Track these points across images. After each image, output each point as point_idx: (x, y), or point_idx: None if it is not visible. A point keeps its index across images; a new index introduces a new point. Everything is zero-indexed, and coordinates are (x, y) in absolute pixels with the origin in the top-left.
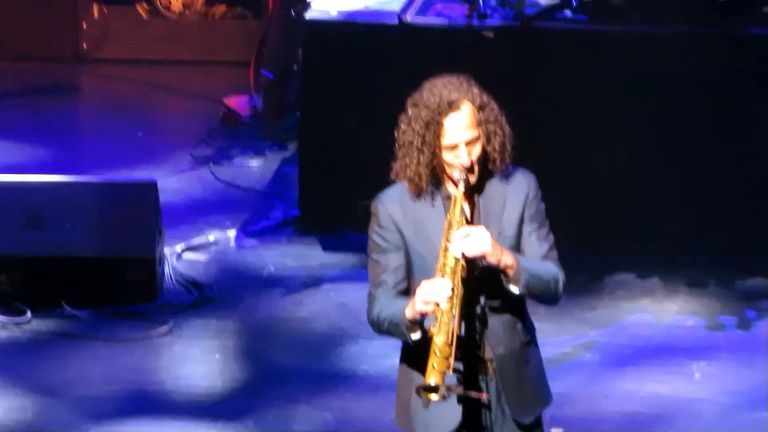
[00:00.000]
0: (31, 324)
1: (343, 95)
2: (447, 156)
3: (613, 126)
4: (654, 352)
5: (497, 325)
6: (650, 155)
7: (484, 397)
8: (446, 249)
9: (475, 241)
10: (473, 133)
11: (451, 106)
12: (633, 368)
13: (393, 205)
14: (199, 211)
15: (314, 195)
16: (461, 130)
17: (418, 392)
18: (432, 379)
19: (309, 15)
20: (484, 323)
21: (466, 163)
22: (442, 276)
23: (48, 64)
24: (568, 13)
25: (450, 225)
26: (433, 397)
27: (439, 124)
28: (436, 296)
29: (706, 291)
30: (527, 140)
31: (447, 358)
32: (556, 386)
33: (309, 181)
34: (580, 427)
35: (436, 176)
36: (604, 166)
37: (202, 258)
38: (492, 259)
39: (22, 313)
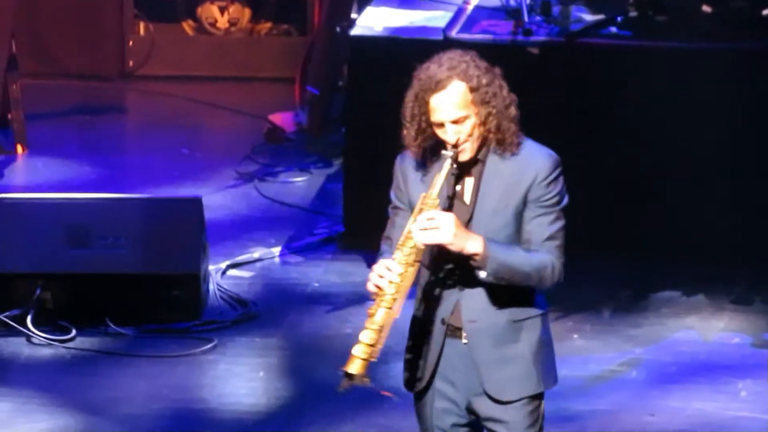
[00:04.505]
0: (75, 342)
1: (387, 111)
2: (438, 131)
3: (659, 141)
4: (700, 369)
5: (477, 297)
6: (695, 171)
7: (391, 395)
8: (410, 230)
9: (435, 229)
10: (459, 113)
11: (438, 85)
12: (678, 386)
13: (407, 164)
14: (244, 228)
15: (359, 211)
16: (446, 109)
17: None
18: (351, 367)
19: (354, 31)
20: (462, 292)
21: (452, 140)
22: (400, 252)
23: (95, 81)
24: (613, 28)
25: (423, 202)
26: (348, 382)
27: (426, 102)
28: (382, 280)
29: (752, 308)
30: (572, 155)
31: (373, 346)
32: (601, 403)
33: (353, 197)
34: None
35: (442, 144)
36: (649, 182)
37: (247, 275)
38: (453, 248)
39: (67, 331)
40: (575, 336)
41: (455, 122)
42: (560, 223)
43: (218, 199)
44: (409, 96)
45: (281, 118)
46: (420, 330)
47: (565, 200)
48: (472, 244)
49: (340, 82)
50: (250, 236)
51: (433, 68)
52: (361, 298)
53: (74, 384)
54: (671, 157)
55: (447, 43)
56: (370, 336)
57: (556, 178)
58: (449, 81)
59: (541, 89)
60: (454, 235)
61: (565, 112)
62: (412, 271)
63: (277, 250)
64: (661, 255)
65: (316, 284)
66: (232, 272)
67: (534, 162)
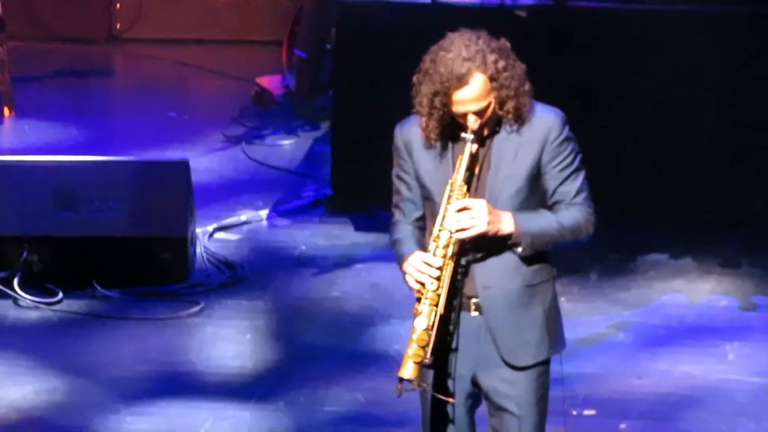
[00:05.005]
0: (62, 304)
1: (375, 74)
2: (459, 119)
3: (648, 105)
4: (687, 332)
5: (492, 263)
6: (685, 135)
7: (451, 400)
8: (444, 217)
9: (469, 219)
10: (482, 103)
11: (460, 81)
12: (666, 349)
13: (410, 131)
14: (231, 191)
15: (346, 174)
16: (469, 103)
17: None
18: (405, 371)
19: None
20: (475, 260)
21: (474, 128)
22: (436, 245)
23: (82, 44)
24: None
25: (452, 189)
26: (403, 387)
27: (447, 96)
28: (424, 276)
29: (740, 271)
30: None
31: (424, 347)
32: (588, 366)
33: (341, 160)
34: (613, 408)
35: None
36: (636, 146)
37: (234, 238)
38: (489, 234)
39: (54, 293)
40: (563, 299)
41: (477, 113)
42: (582, 175)
43: (205, 162)
44: (427, 87)
45: (269, 81)
46: None
47: (579, 156)
48: (505, 225)
49: (328, 45)
50: (238, 199)
51: (450, 59)
52: (349, 261)
53: (61, 346)
54: (661, 121)
55: (435, 7)
56: (421, 337)
57: (567, 136)
58: (470, 75)
59: (528, 53)
60: (488, 223)
61: (553, 75)
62: (452, 264)
63: (264, 213)
64: (649, 218)
65: (304, 247)
66: (219, 235)
67: (542, 124)
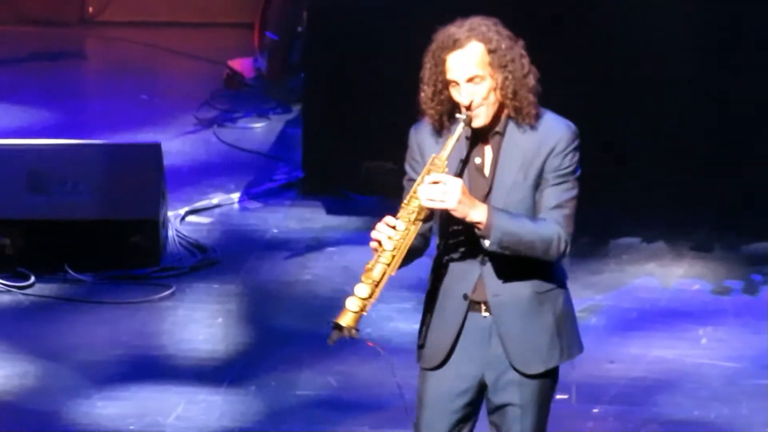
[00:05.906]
0: (34, 288)
1: (347, 57)
2: (453, 91)
3: (620, 78)
4: (660, 316)
5: (501, 270)
6: (655, 117)
7: (381, 351)
8: (418, 184)
9: (440, 193)
10: (475, 71)
11: (456, 43)
12: (638, 332)
13: (423, 133)
14: (203, 174)
15: (318, 157)
16: (461, 67)
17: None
18: (342, 319)
19: None
20: (484, 266)
21: (465, 101)
22: (405, 210)
23: (54, 27)
24: None
25: (432, 162)
26: (337, 334)
27: (443, 60)
28: (381, 234)
29: (712, 255)
30: None
31: (365, 300)
32: None
33: (313, 143)
34: (586, 392)
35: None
36: (609, 127)
37: (206, 221)
38: (457, 214)
39: (26, 277)
40: None
41: (470, 80)
42: (572, 192)
43: (177, 144)
44: (427, 58)
45: (240, 64)
46: (440, 305)
47: (578, 171)
48: (476, 213)
49: (300, 28)
50: (209, 182)
51: (453, 29)
52: (320, 244)
53: (33, 330)
54: (632, 99)
55: None
56: (365, 290)
57: (574, 149)
58: (468, 41)
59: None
60: (458, 202)
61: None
62: (413, 230)
63: (236, 196)
64: (621, 201)
65: (275, 230)
66: (191, 218)
67: (553, 133)
